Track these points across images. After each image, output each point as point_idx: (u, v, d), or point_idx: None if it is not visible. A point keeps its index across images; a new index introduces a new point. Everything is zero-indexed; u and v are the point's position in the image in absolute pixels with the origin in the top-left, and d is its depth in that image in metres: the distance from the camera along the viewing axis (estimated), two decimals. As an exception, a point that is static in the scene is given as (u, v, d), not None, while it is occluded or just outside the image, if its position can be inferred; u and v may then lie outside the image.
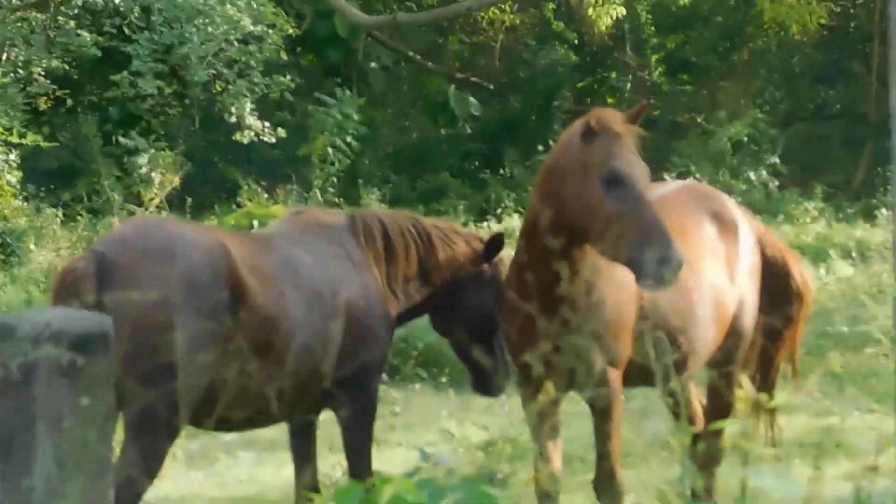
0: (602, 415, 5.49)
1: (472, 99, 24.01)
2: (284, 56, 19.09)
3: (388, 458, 7.92)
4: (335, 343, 5.51)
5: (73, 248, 14.84)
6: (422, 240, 5.97)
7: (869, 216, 19.66)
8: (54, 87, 15.82)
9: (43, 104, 17.05)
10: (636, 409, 8.55)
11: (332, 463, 7.10)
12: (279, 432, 6.93)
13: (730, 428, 2.98)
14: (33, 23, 15.14)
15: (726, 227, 6.12)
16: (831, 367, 6.96)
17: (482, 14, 25.44)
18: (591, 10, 20.73)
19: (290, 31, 17.59)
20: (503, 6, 25.31)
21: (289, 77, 17.25)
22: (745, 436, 2.79)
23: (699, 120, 25.77)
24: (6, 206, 15.38)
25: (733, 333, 6.07)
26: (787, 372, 6.57)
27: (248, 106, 16.09)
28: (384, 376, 8.20)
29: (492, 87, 26.48)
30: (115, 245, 5.11)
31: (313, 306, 5.43)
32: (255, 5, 16.00)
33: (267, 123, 16.66)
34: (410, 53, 25.75)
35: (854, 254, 16.06)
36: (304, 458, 5.88)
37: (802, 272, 6.54)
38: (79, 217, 17.66)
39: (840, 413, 7.74)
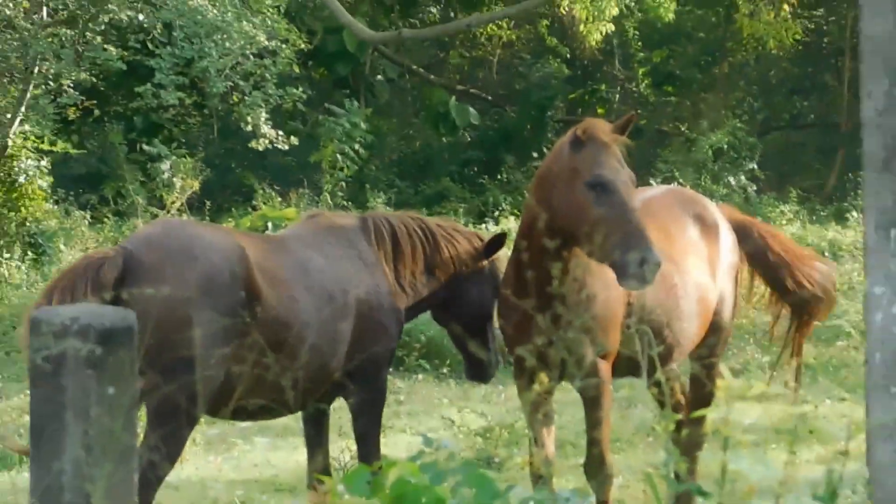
0: (592, 403, 5.49)
1: (471, 109, 23.96)
2: (297, 69, 19.03)
3: (393, 443, 7.92)
4: (344, 341, 5.50)
5: (100, 248, 14.83)
6: (427, 239, 5.97)
7: (840, 219, 19.62)
8: (83, 98, 15.78)
9: (72, 114, 17.03)
10: (624, 397, 8.54)
11: (341, 447, 7.10)
12: (292, 419, 6.93)
13: (711, 415, 2.98)
14: (63, 38, 15.09)
15: (708, 229, 6.12)
16: (805, 359, 6.95)
17: (481, 30, 25.40)
18: (582, 27, 20.67)
19: (302, 45, 17.54)
20: (501, 23, 25.29)
21: (301, 89, 17.21)
22: (724, 422, 2.80)
23: (683, 129, 25.71)
24: (38, 209, 15.36)
25: (714, 327, 6.07)
26: (763, 366, 6.56)
27: (263, 116, 16.04)
28: (389, 367, 8.18)
29: (490, 98, 26.44)
30: (142, 244, 5.13)
31: (323, 307, 5.42)
32: (269, 22, 15.96)
33: (280, 132, 16.60)
34: (414, 67, 25.71)
35: (826, 253, 16.00)
36: (316, 443, 5.87)
37: (810, 274, 6.47)
38: (105, 219, 17.65)
39: (813, 402, 7.73)
